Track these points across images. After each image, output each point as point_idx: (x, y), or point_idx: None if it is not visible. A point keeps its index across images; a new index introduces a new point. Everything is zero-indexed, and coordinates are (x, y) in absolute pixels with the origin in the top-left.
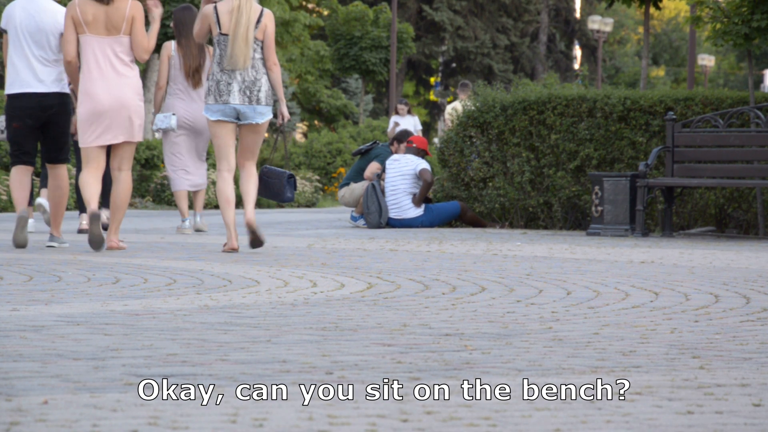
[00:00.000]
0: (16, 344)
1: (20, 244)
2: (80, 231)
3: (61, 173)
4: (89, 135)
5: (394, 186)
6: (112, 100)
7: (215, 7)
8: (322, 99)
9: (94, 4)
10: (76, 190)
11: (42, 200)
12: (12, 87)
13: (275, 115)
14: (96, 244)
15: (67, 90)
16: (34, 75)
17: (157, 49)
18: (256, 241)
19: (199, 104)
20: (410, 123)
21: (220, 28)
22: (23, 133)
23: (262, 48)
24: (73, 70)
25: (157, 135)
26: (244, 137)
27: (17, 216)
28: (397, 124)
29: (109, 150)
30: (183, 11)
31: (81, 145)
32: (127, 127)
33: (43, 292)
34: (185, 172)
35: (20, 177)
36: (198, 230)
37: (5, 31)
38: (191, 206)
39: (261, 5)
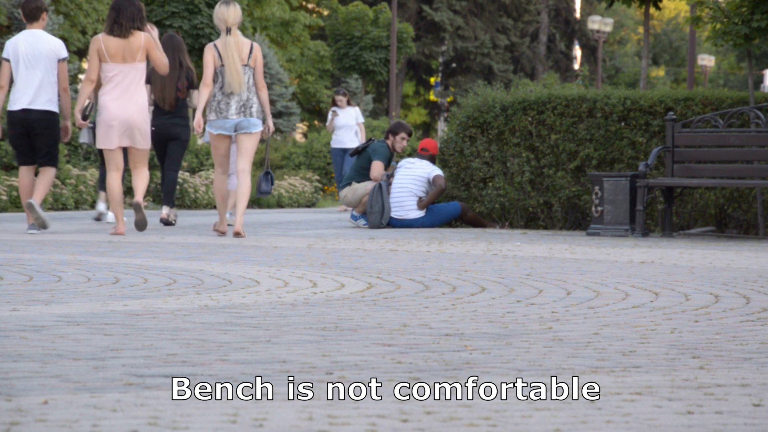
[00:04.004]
0: (16, 344)
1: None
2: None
3: (48, 172)
4: (103, 139)
5: (402, 185)
6: (120, 114)
7: (215, 45)
8: (322, 99)
9: (115, 39)
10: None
11: (101, 204)
12: (16, 104)
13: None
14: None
15: (55, 108)
16: (34, 94)
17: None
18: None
19: None
20: (351, 114)
21: (221, 61)
22: (22, 141)
23: (253, 74)
24: (89, 90)
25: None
26: (241, 143)
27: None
28: (336, 114)
29: (127, 155)
30: None
31: (100, 147)
32: (131, 136)
33: (43, 292)
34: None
35: (26, 174)
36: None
37: (7, 60)
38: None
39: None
